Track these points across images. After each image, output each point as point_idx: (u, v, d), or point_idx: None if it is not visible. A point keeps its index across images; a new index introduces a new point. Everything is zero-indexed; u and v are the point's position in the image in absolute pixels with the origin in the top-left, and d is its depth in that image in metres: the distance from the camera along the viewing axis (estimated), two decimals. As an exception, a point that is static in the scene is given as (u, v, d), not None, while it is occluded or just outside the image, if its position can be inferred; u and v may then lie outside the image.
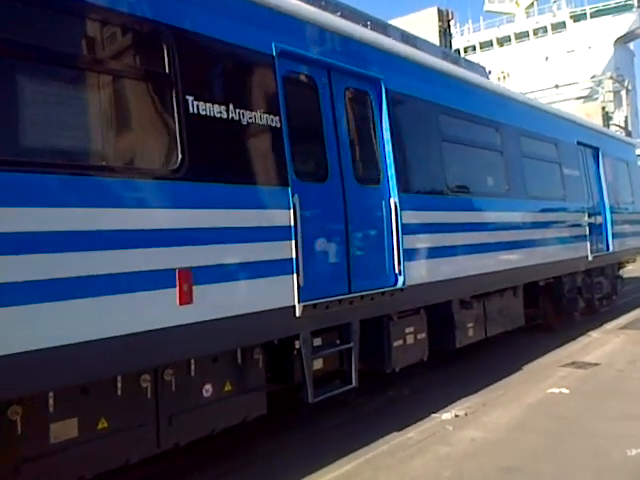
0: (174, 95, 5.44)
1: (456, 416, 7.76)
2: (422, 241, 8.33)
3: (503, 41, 68.76)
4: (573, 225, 13.38)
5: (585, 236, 13.73)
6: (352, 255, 7.21)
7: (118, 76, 5.24)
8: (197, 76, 5.76)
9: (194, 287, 5.32)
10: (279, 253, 6.23)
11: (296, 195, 6.42)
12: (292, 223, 6.35)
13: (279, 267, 6.22)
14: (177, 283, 5.19)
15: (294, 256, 6.34)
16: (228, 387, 6.19)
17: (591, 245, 13.92)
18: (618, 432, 6.78)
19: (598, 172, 15.36)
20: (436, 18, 30.47)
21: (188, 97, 5.53)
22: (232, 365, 6.22)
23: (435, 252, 8.57)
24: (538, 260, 11.47)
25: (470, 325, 10.04)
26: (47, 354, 4.35)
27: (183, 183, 5.40)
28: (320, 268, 6.82)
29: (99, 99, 5.19)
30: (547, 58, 64.45)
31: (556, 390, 8.63)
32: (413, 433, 7.28)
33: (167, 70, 5.45)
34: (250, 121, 6.10)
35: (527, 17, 68.81)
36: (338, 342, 7.28)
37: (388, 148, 7.93)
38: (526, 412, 7.77)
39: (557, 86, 58.66)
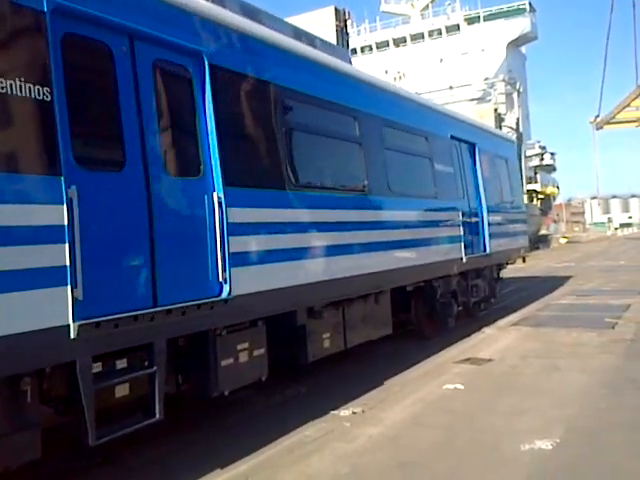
0: None
1: (354, 413, 7.76)
2: (255, 243, 7.15)
3: (399, 42, 69.04)
4: (445, 225, 12.51)
5: (459, 237, 12.91)
6: (159, 262, 5.95)
7: None
8: None
9: None
10: (43, 260, 4.88)
11: (74, 187, 5.11)
12: (66, 222, 5.03)
13: (43, 278, 4.87)
14: None
15: (68, 263, 5.02)
16: (-22, 430, 4.81)
17: (465, 246, 13.12)
18: (511, 427, 6.86)
19: (474, 169, 14.60)
20: (333, 17, 29.78)
21: None
22: None
23: (273, 256, 7.41)
24: (404, 263, 10.52)
25: (326, 336, 9.00)
26: None
27: None
28: (111, 278, 5.53)
29: None
30: (442, 60, 65.11)
31: (451, 386, 8.67)
32: (311, 431, 7.21)
33: None
34: (2, 91, 4.74)
35: (422, 19, 69.36)
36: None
37: (212, 134, 6.69)
38: (422, 408, 7.80)
39: (451, 87, 59.73)
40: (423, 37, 68.14)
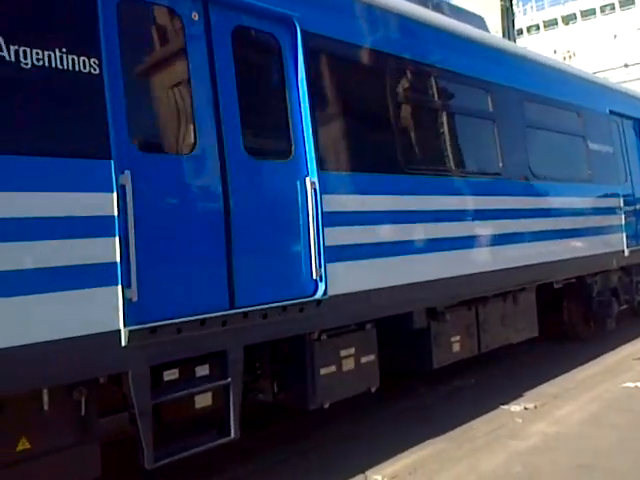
0: None
1: (526, 409, 7.55)
2: (356, 235, 6.23)
3: (568, 19, 65.06)
4: (602, 213, 10.86)
5: (619, 226, 11.23)
6: (238, 257, 5.21)
7: None
8: None
9: None
10: (88, 256, 4.29)
11: (127, 172, 4.47)
12: (116, 212, 4.40)
13: (88, 276, 4.27)
14: None
15: (118, 260, 4.39)
16: (24, 446, 4.25)
17: (628, 237, 11.39)
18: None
19: None
20: (498, -3, 28.90)
21: None
22: (30, 414, 4.30)
23: (379, 249, 6.45)
24: (548, 257, 9.11)
25: (456, 339, 7.97)
26: None
27: None
28: (175, 276, 4.85)
29: None
30: (615, 36, 60.52)
31: (631, 384, 8.24)
32: (480, 425, 7.09)
33: None
34: (39, 63, 4.16)
35: (593, -6, 64.87)
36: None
37: (305, 111, 5.86)
38: (600, 406, 7.47)
39: (626, 65, 55.61)
40: (594, 13, 63.71)
